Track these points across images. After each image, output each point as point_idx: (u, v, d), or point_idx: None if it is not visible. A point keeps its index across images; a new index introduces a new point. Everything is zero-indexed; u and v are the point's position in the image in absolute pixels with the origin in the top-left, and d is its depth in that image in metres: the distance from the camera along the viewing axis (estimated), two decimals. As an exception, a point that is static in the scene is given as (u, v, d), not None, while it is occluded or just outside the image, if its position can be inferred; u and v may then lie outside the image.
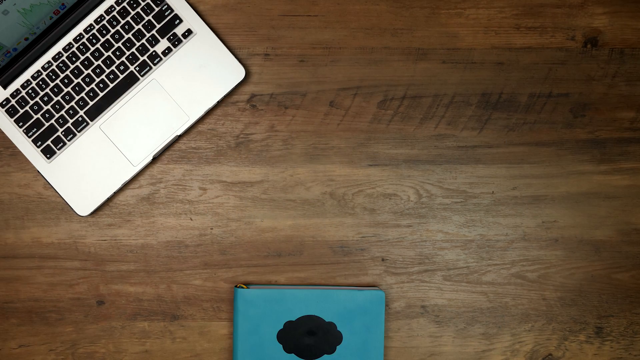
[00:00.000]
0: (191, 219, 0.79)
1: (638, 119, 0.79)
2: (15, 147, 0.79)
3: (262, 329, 0.75)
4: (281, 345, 0.76)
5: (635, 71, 0.79)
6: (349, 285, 0.78)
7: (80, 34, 0.77)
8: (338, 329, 0.75)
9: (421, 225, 0.79)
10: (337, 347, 0.76)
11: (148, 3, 0.77)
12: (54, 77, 0.77)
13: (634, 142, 0.79)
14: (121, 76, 0.77)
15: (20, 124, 0.77)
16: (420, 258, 0.79)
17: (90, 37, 0.77)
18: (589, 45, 0.79)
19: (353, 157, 0.79)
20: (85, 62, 0.77)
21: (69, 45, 0.77)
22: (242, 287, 0.76)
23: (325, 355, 0.75)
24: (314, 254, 0.79)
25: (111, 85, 0.77)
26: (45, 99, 0.77)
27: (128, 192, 0.79)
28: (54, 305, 0.79)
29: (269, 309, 0.75)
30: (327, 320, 0.75)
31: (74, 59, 0.77)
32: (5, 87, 0.77)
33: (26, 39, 0.76)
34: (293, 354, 0.75)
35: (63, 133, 0.77)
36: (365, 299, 0.76)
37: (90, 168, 0.77)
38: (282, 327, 0.76)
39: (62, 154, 0.77)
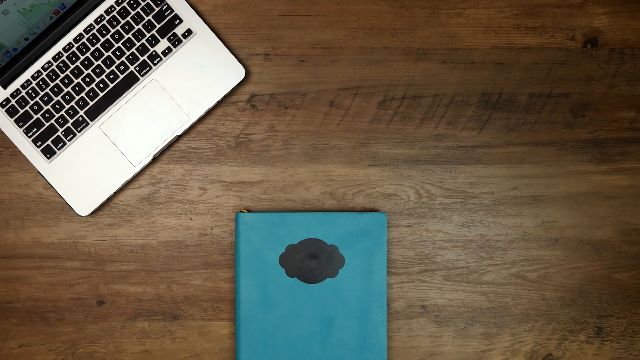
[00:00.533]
0: (191, 219, 0.79)
1: (638, 119, 0.79)
2: (15, 147, 0.79)
3: (264, 253, 0.75)
4: (283, 269, 0.75)
5: (635, 71, 0.79)
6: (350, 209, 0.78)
7: (80, 34, 0.77)
8: (340, 252, 0.75)
9: (421, 225, 0.79)
10: (340, 270, 0.75)
11: (148, 3, 0.77)
12: (54, 77, 0.77)
13: (634, 142, 0.79)
14: (121, 76, 0.77)
15: (20, 124, 0.77)
16: (420, 258, 0.79)
17: (90, 37, 0.77)
18: (589, 45, 0.79)
19: (353, 157, 0.79)
20: (85, 62, 0.77)
21: (69, 45, 0.77)
22: (244, 212, 0.76)
23: (328, 278, 0.75)
24: (314, 254, 0.79)
25: (111, 85, 0.77)
26: (45, 99, 0.77)
27: (128, 192, 0.79)
28: (54, 305, 0.79)
29: (270, 233, 0.75)
30: (329, 243, 0.75)
31: (74, 59, 0.77)
32: (5, 87, 0.77)
33: (26, 39, 0.76)
34: (295, 278, 0.75)
35: (63, 133, 0.77)
36: (367, 222, 0.75)
37: (90, 168, 0.77)
38: (283, 250, 0.75)
39: (62, 154, 0.77)
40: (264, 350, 0.75)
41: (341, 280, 0.75)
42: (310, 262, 0.75)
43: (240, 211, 0.76)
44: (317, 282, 0.75)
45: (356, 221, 0.75)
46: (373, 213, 0.76)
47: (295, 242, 0.75)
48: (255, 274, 0.75)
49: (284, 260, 0.75)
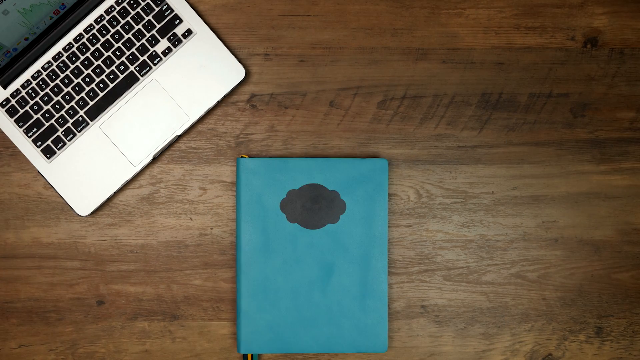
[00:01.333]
0: (191, 219, 0.79)
1: (638, 119, 0.79)
2: (15, 147, 0.79)
3: (264, 199, 0.75)
4: (284, 215, 0.75)
5: (635, 71, 0.79)
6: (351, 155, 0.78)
7: (80, 34, 0.77)
8: (341, 197, 0.75)
9: (421, 225, 0.79)
10: (341, 216, 0.75)
11: (148, 3, 0.77)
12: (54, 77, 0.77)
13: (634, 142, 0.79)
14: (121, 76, 0.77)
15: (20, 124, 0.77)
16: (420, 258, 0.79)
17: (90, 37, 0.77)
18: (589, 45, 0.79)
19: (353, 157, 0.79)
20: (85, 62, 0.77)
21: (69, 45, 0.77)
22: (244, 157, 0.76)
23: (329, 224, 0.75)
24: (314, 254, 0.79)
25: (111, 85, 0.77)
26: (46, 99, 0.77)
27: (128, 192, 0.79)
28: (54, 305, 0.79)
29: (271, 178, 0.75)
30: (330, 189, 0.75)
31: (74, 59, 0.77)
32: (5, 87, 0.77)
33: (26, 39, 0.76)
34: (296, 224, 0.75)
35: (63, 133, 0.77)
36: (368, 167, 0.75)
37: (90, 168, 0.77)
38: (284, 196, 0.75)
39: (62, 154, 0.77)
40: (264, 296, 0.75)
41: (342, 227, 0.75)
42: (311, 207, 0.75)
43: (241, 156, 0.76)
44: (318, 228, 0.75)
45: (357, 167, 0.75)
46: (374, 159, 0.75)
47: (297, 187, 0.75)
48: (256, 219, 0.75)
49: (284, 205, 0.75)
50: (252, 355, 0.76)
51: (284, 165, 0.75)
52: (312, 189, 0.75)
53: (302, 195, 0.75)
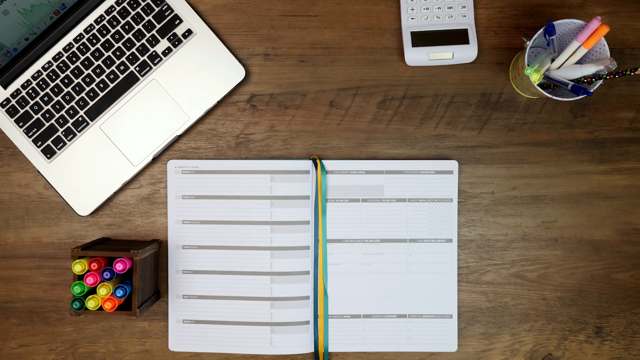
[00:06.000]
0: (191, 219, 0.79)
1: (638, 119, 0.79)
2: (16, 147, 0.79)
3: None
4: None
5: (635, 71, 0.79)
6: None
7: (80, 34, 0.77)
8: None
9: (421, 225, 0.79)
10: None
11: (148, 3, 0.77)
12: (54, 77, 0.77)
13: (633, 142, 0.79)
14: (121, 76, 0.77)
15: (21, 124, 0.77)
16: (420, 258, 0.79)
17: (91, 37, 0.77)
18: (588, 46, 0.79)
19: (353, 157, 0.79)
20: (86, 62, 0.77)
21: (69, 45, 0.77)
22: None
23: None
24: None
25: (111, 85, 0.77)
26: (46, 99, 0.77)
27: (128, 192, 0.79)
28: (54, 305, 0.79)
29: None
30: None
31: (74, 59, 0.77)
32: (5, 87, 0.77)
33: (26, 39, 0.76)
34: None
35: (63, 133, 0.77)
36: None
37: (91, 168, 0.77)
38: None
39: (62, 154, 0.77)
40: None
41: None
42: None
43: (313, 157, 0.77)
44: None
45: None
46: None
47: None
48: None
49: None
50: (323, 353, 0.77)
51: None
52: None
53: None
